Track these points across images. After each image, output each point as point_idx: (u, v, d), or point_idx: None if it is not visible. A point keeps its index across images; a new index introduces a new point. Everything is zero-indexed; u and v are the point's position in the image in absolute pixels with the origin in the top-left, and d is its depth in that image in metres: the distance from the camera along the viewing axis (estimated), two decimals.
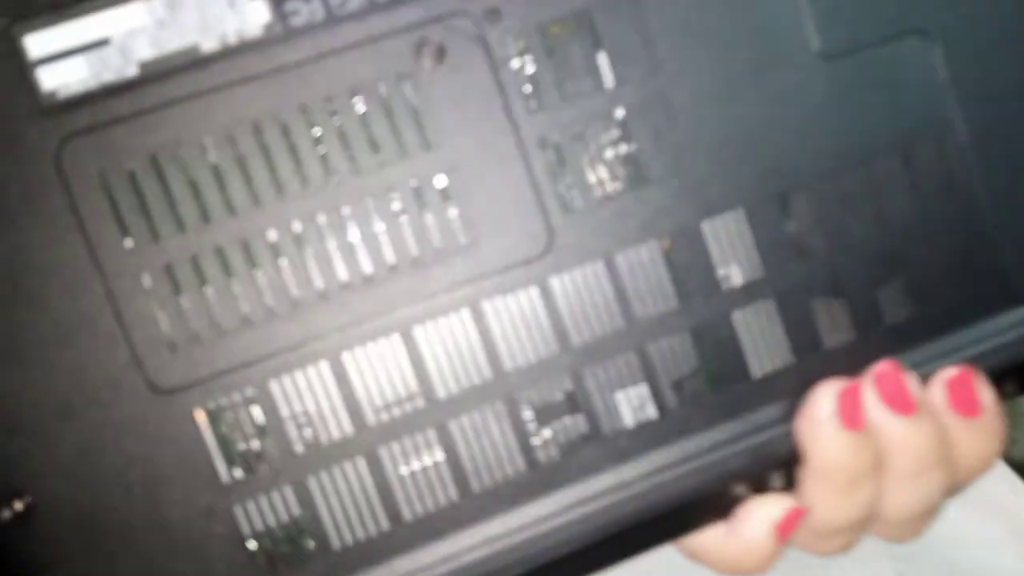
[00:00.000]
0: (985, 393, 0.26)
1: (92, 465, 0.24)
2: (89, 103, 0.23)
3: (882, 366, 0.26)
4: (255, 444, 0.25)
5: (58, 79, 0.23)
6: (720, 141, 0.26)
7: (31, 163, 0.23)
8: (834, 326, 0.27)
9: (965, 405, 0.26)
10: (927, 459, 0.25)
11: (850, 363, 0.27)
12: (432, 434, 0.25)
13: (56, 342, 0.24)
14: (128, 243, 0.24)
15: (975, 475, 0.27)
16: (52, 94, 0.23)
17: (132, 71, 0.24)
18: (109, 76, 0.24)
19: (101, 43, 0.23)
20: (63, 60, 0.23)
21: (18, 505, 0.24)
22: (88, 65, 0.23)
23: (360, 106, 0.24)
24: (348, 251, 0.25)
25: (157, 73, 0.24)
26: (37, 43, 0.23)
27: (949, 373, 0.26)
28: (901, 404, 0.25)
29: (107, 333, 0.24)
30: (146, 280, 0.24)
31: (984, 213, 0.27)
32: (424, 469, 0.25)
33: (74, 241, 0.23)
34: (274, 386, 0.25)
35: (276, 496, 0.25)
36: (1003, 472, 0.40)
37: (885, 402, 0.25)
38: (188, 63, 0.24)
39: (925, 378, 0.26)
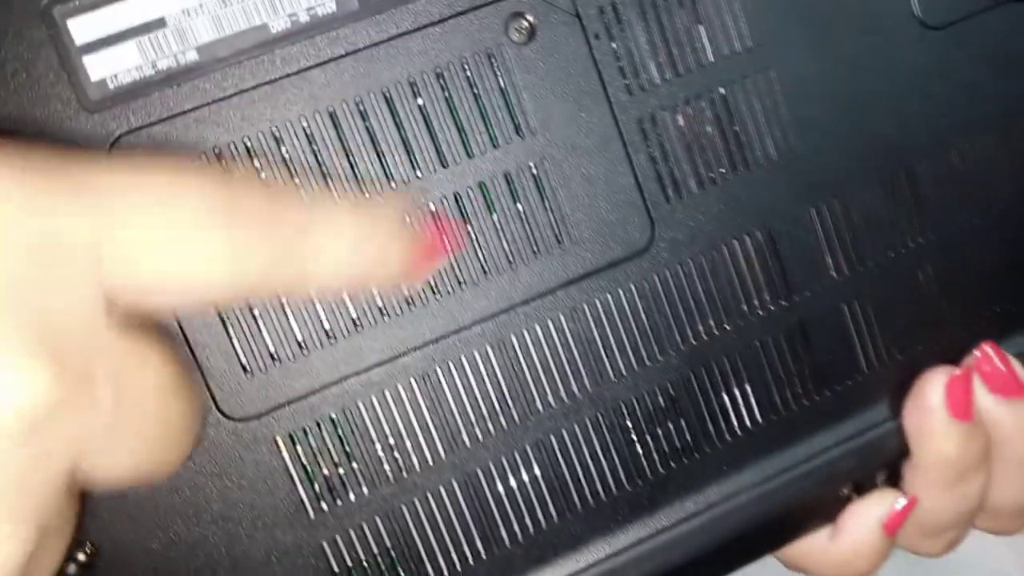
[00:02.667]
0: None
1: (161, 506, 0.21)
2: (143, 94, 0.20)
3: (984, 350, 0.25)
4: (341, 471, 0.22)
5: (108, 67, 0.20)
6: (826, 119, 0.24)
7: None
8: (937, 313, 0.26)
9: None
10: None
11: (955, 352, 0.25)
12: (530, 450, 0.23)
13: None
14: None
15: None
16: (101, 85, 0.20)
17: (191, 56, 0.21)
18: (165, 63, 0.20)
19: (155, 25, 0.20)
20: (113, 46, 0.20)
21: (81, 556, 0.21)
22: (140, 51, 0.20)
23: (444, 90, 0.22)
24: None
25: (219, 58, 0.21)
26: (83, 27, 0.20)
27: None
28: (1009, 388, 0.24)
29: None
30: None
31: None
32: (521, 487, 0.23)
33: None
34: (360, 407, 0.22)
35: (366, 527, 0.22)
36: None
37: (992, 388, 0.24)
38: (254, 46, 0.21)
39: None
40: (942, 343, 0.26)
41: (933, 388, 0.24)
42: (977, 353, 0.24)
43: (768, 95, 0.24)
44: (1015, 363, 0.25)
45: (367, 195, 0.21)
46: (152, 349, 0.16)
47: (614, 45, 0.23)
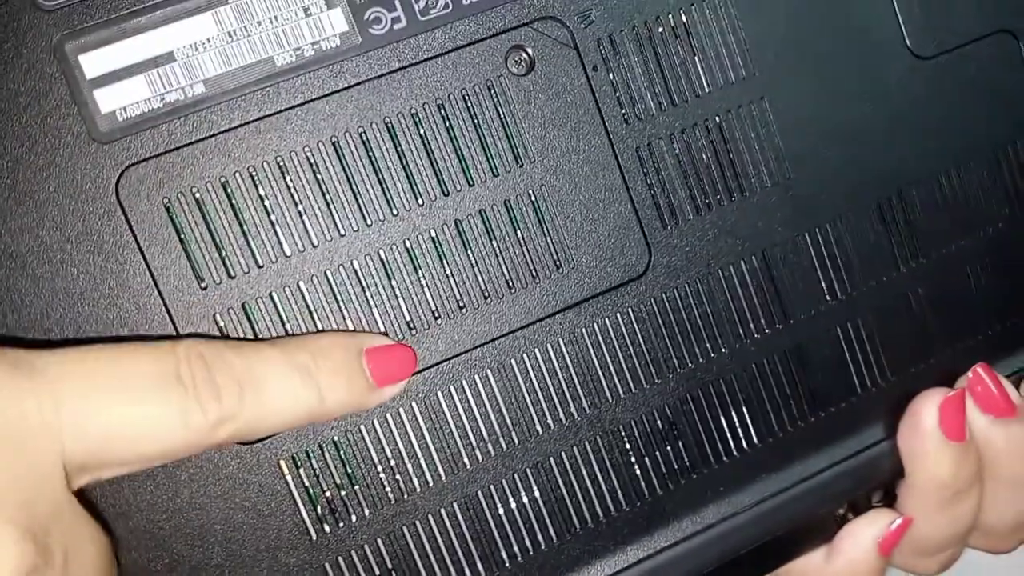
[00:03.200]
0: None
1: (166, 528, 0.22)
2: (152, 126, 0.21)
3: (976, 372, 0.25)
4: (343, 493, 0.23)
5: (117, 100, 0.21)
6: (819, 147, 0.25)
7: (91, 197, 0.21)
8: (930, 337, 0.26)
9: None
10: None
11: (949, 373, 0.26)
12: (529, 472, 0.24)
13: None
14: (200, 282, 0.21)
15: None
16: (111, 117, 0.21)
17: (199, 89, 0.21)
18: (173, 96, 0.21)
19: (164, 59, 0.21)
20: (122, 80, 0.21)
21: None
22: (149, 84, 0.21)
23: (446, 120, 0.22)
24: (435, 277, 0.23)
25: (226, 91, 0.21)
26: (94, 62, 0.20)
27: None
28: (1001, 408, 0.25)
29: None
30: (221, 321, 0.22)
31: None
32: (521, 509, 0.24)
33: (141, 283, 0.21)
34: (362, 429, 0.23)
35: (368, 548, 0.23)
36: None
37: (984, 408, 0.25)
38: (260, 79, 0.21)
39: (1017, 386, 0.26)
40: (936, 365, 0.26)
41: (927, 409, 0.24)
42: (970, 374, 0.25)
43: (762, 124, 0.24)
44: (1007, 384, 0.25)
45: (312, 330, 0.22)
46: (93, 528, 0.18)
47: (611, 76, 0.23)
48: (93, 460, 0.18)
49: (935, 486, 0.25)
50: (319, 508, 0.22)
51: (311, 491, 0.22)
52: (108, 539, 0.19)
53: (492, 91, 0.23)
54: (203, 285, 0.21)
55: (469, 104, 0.23)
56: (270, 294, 0.22)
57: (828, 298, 0.25)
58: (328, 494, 0.23)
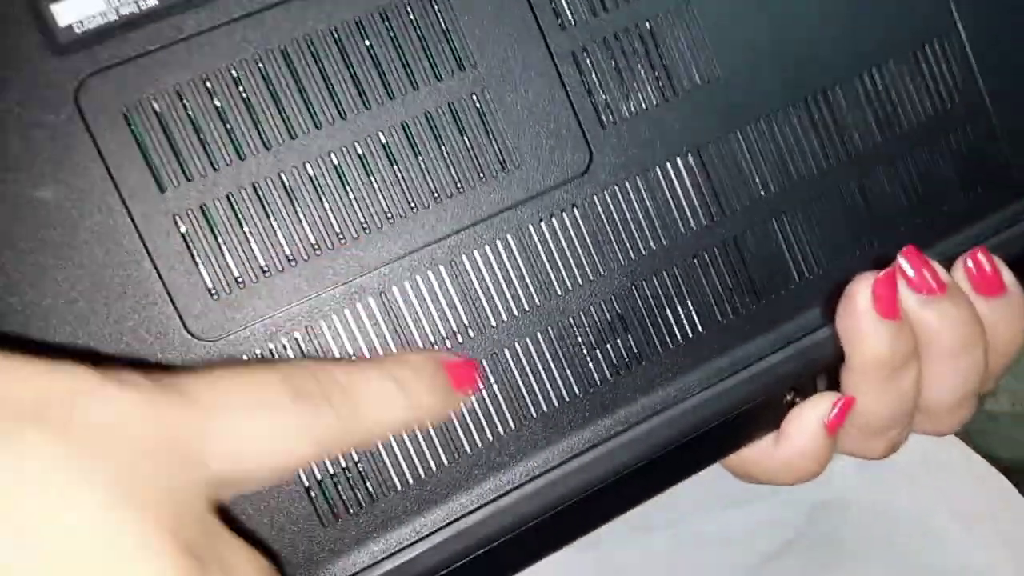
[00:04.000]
0: (1005, 273, 0.27)
1: None
2: (108, 38, 0.22)
3: (905, 253, 0.26)
4: None
5: (74, 14, 0.22)
6: (746, 47, 0.26)
7: (51, 107, 0.22)
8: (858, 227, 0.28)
9: (987, 286, 0.27)
10: (963, 337, 0.26)
11: (882, 260, 0.27)
12: (486, 363, 0.25)
13: (87, 298, 0.22)
14: (159, 186, 0.22)
15: (1009, 357, 0.28)
16: (68, 30, 0.22)
17: (152, 2, 0.22)
18: (128, 8, 0.22)
19: None
20: None
21: None
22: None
23: (389, 29, 0.24)
24: (386, 178, 0.24)
25: (179, 3, 0.22)
26: None
27: (965, 256, 0.27)
28: (930, 286, 0.26)
29: (143, 284, 0.22)
30: (181, 226, 0.23)
31: (989, 111, 0.29)
32: (479, 398, 0.25)
33: (102, 188, 0.22)
34: (322, 326, 0.24)
35: None
36: (1013, 500, 0.41)
37: (914, 288, 0.26)
38: None
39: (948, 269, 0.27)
40: (869, 252, 0.27)
41: (861, 290, 0.26)
42: (899, 257, 0.26)
43: (691, 26, 0.26)
44: (935, 264, 0.26)
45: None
46: (245, 548, 0.18)
47: None
48: (231, 479, 0.18)
49: (873, 364, 0.26)
50: None
51: None
52: (267, 562, 0.19)
53: (432, 1, 0.24)
54: (163, 188, 0.23)
55: (412, 12, 0.24)
56: (227, 195, 0.23)
57: (762, 192, 0.27)
58: None
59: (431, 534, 0.24)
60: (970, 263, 0.27)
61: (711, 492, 0.30)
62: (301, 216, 0.23)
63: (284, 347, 0.23)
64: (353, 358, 0.24)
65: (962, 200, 0.28)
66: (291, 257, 0.23)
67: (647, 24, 0.26)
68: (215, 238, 0.23)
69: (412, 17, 0.24)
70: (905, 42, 0.28)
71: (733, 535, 0.38)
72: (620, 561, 0.38)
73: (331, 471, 0.24)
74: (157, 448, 0.17)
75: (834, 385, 0.28)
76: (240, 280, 0.23)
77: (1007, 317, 0.27)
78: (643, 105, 0.26)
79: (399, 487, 0.24)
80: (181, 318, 0.23)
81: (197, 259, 0.23)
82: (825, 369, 0.27)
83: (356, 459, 0.24)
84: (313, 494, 0.24)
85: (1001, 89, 0.28)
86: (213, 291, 0.23)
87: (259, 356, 0.23)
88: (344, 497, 0.24)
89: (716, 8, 0.26)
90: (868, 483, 0.39)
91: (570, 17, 0.25)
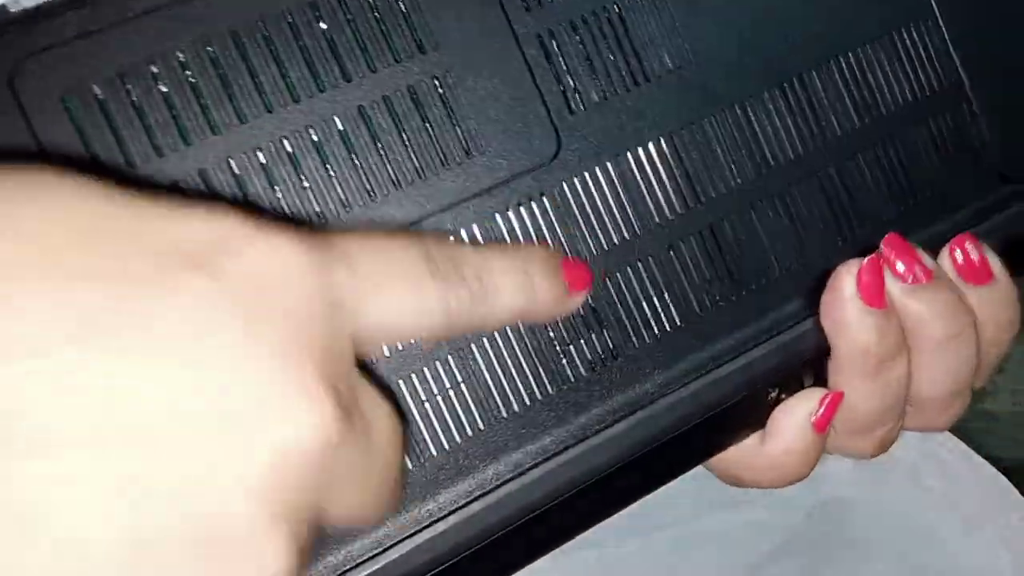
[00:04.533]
0: (993, 260, 0.26)
1: None
2: (46, 18, 0.21)
3: (889, 241, 0.25)
4: None
5: None
6: (718, 32, 0.25)
7: None
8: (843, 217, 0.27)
9: (975, 274, 0.26)
10: (952, 325, 0.25)
11: (865, 251, 0.26)
12: (451, 360, 0.23)
13: None
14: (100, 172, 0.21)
15: (1000, 347, 0.26)
16: (2, 9, 0.21)
17: None
18: None
19: None
20: None
21: None
22: None
23: (344, 9, 0.23)
24: (343, 166, 0.23)
25: None
26: None
27: (951, 243, 0.26)
28: (915, 273, 0.25)
29: None
30: None
31: (968, 95, 0.28)
32: (446, 398, 0.23)
33: None
34: None
35: None
36: (1014, 501, 0.40)
37: (899, 275, 0.25)
38: None
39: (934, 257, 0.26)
40: (853, 241, 0.26)
41: (845, 279, 0.25)
42: (882, 245, 0.25)
43: (661, 9, 0.25)
44: (920, 252, 0.25)
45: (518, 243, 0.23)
46: (385, 404, 0.18)
47: None
48: (371, 338, 0.18)
49: (860, 355, 0.25)
50: None
51: None
52: (398, 420, 0.19)
53: None
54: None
55: None
56: (173, 183, 0.22)
57: (739, 179, 0.26)
58: None
59: (395, 544, 0.23)
60: (956, 251, 0.26)
61: (710, 492, 0.28)
62: (253, 205, 0.22)
63: None
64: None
65: (945, 186, 0.27)
66: None
67: (616, 7, 0.25)
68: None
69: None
70: (882, 26, 0.27)
71: (732, 535, 0.37)
72: (619, 561, 0.36)
73: None
74: (315, 301, 0.16)
75: (821, 382, 0.27)
76: None
77: (996, 305, 0.26)
78: (614, 90, 0.25)
79: None
80: None
81: None
82: (810, 364, 0.26)
83: None
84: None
85: (980, 74, 0.28)
86: None
87: None
88: None
89: None
90: (867, 483, 0.38)
91: None
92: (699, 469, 0.28)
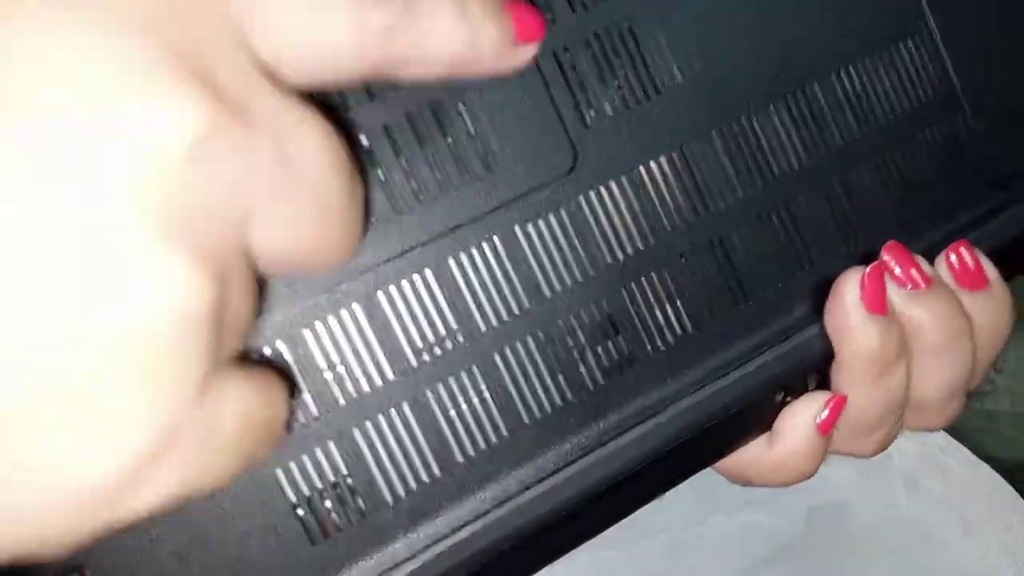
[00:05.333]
0: (988, 266, 0.27)
1: None
2: None
3: (889, 249, 0.26)
4: (292, 404, 0.23)
5: None
6: (726, 44, 0.26)
7: None
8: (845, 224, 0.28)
9: (970, 280, 0.27)
10: (950, 329, 0.26)
11: (868, 258, 0.27)
12: (476, 370, 0.24)
13: None
14: None
15: (994, 350, 0.28)
16: None
17: None
18: None
19: None
20: None
21: None
22: None
23: None
24: (368, 184, 0.23)
25: None
26: None
27: (948, 250, 0.27)
28: (915, 280, 0.26)
29: None
30: None
31: (963, 106, 0.29)
32: (471, 405, 0.24)
33: None
34: (304, 335, 0.23)
35: (320, 454, 0.23)
36: (1015, 505, 0.41)
37: (899, 282, 0.26)
38: None
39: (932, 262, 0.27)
40: (856, 248, 0.27)
41: (849, 286, 0.26)
42: (883, 253, 0.26)
43: (670, 24, 0.26)
44: (919, 259, 0.26)
45: None
46: (312, 117, 0.16)
47: None
48: (268, 49, 0.16)
49: (864, 360, 0.26)
50: None
51: None
52: (340, 142, 0.17)
53: None
54: None
55: None
56: None
57: (746, 189, 0.26)
58: None
59: (425, 549, 0.23)
60: (953, 257, 0.27)
61: (709, 496, 0.29)
62: None
63: (264, 356, 0.23)
64: (337, 363, 0.23)
65: (942, 193, 0.29)
66: None
67: (627, 23, 0.26)
68: None
69: None
70: (879, 40, 0.28)
71: (731, 539, 0.37)
72: (617, 565, 0.37)
73: (319, 487, 0.23)
74: None
75: (825, 385, 0.28)
76: None
77: (991, 310, 0.27)
78: (626, 103, 0.25)
79: (390, 501, 0.23)
80: None
81: None
82: (815, 368, 0.27)
83: (345, 472, 0.23)
84: (301, 511, 0.23)
85: (974, 85, 0.29)
86: None
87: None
88: (333, 513, 0.23)
89: (694, 7, 0.26)
90: (867, 487, 0.39)
91: (550, 15, 0.25)
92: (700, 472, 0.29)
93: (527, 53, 0.20)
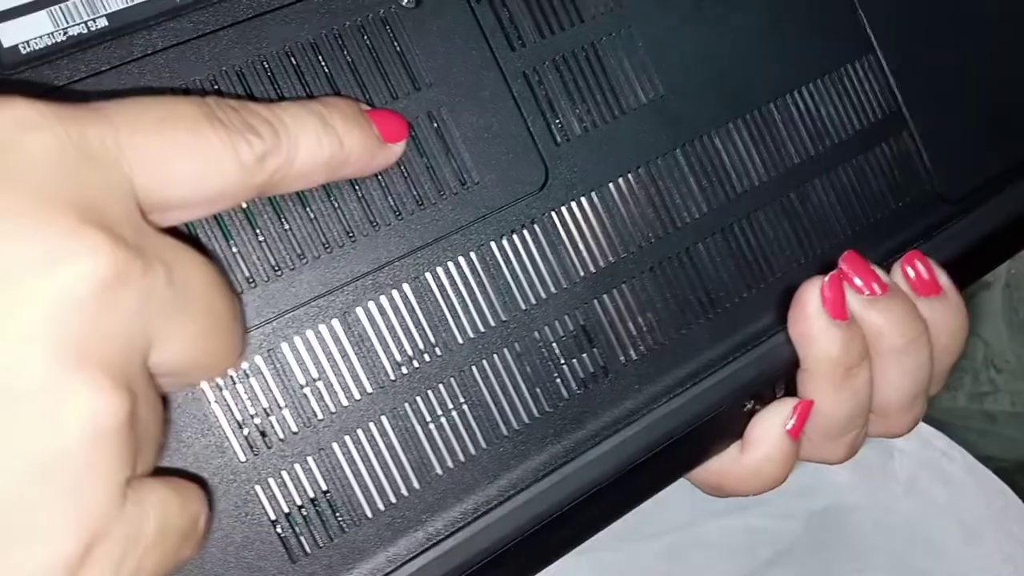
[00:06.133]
0: (940, 274, 0.28)
1: None
2: (55, 59, 0.21)
3: (846, 259, 0.27)
4: (272, 418, 0.23)
5: (20, 34, 0.21)
6: (684, 70, 0.27)
7: None
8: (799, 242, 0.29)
9: (924, 287, 0.28)
10: (907, 333, 0.27)
11: (829, 268, 0.28)
12: (454, 382, 0.24)
13: None
14: None
15: (952, 355, 0.29)
16: (14, 50, 0.21)
17: (102, 23, 0.22)
18: (76, 30, 0.22)
19: None
20: (25, 15, 0.21)
21: None
22: (52, 19, 0.22)
23: (344, 49, 0.24)
24: (347, 199, 0.24)
25: (129, 24, 0.22)
26: None
27: (902, 260, 0.28)
28: (872, 287, 0.27)
29: None
30: None
31: (908, 124, 0.30)
32: (450, 419, 0.24)
33: None
34: (283, 349, 0.23)
35: (299, 469, 0.23)
36: (1015, 511, 0.42)
37: (857, 289, 0.27)
38: (162, 12, 0.22)
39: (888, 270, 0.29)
40: (816, 259, 0.29)
41: (810, 295, 0.27)
42: (840, 262, 0.27)
43: (632, 48, 0.27)
44: (875, 267, 0.27)
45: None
46: (190, 250, 0.18)
47: (494, 7, 0.25)
48: (159, 196, 0.18)
49: (828, 365, 0.27)
50: (247, 432, 0.23)
51: (240, 416, 0.22)
52: (216, 268, 0.19)
53: (386, 23, 0.24)
54: None
55: (366, 35, 0.24)
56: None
57: (710, 203, 0.27)
58: (257, 420, 0.23)
59: (405, 562, 0.23)
60: (907, 267, 0.28)
61: (708, 499, 0.29)
62: (260, 236, 0.23)
63: (246, 372, 0.23)
64: (315, 377, 0.23)
65: (893, 207, 0.30)
66: (250, 278, 0.23)
67: (592, 46, 0.27)
68: None
69: (367, 39, 0.24)
70: (828, 63, 0.29)
71: (731, 543, 0.38)
72: (616, 568, 0.37)
73: (298, 502, 0.23)
74: (64, 152, 0.16)
75: (791, 393, 0.28)
76: None
77: (946, 316, 0.28)
78: (594, 122, 0.26)
79: (369, 515, 0.23)
80: None
81: None
82: (782, 375, 0.28)
83: (324, 488, 0.23)
84: (279, 528, 0.23)
85: (918, 104, 0.30)
86: None
87: (217, 383, 0.22)
88: (312, 529, 0.23)
89: (654, 33, 0.27)
90: (868, 491, 0.39)
91: (520, 39, 0.26)
92: None
93: (399, 148, 0.23)
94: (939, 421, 0.50)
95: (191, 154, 0.18)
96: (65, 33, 0.22)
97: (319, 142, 0.20)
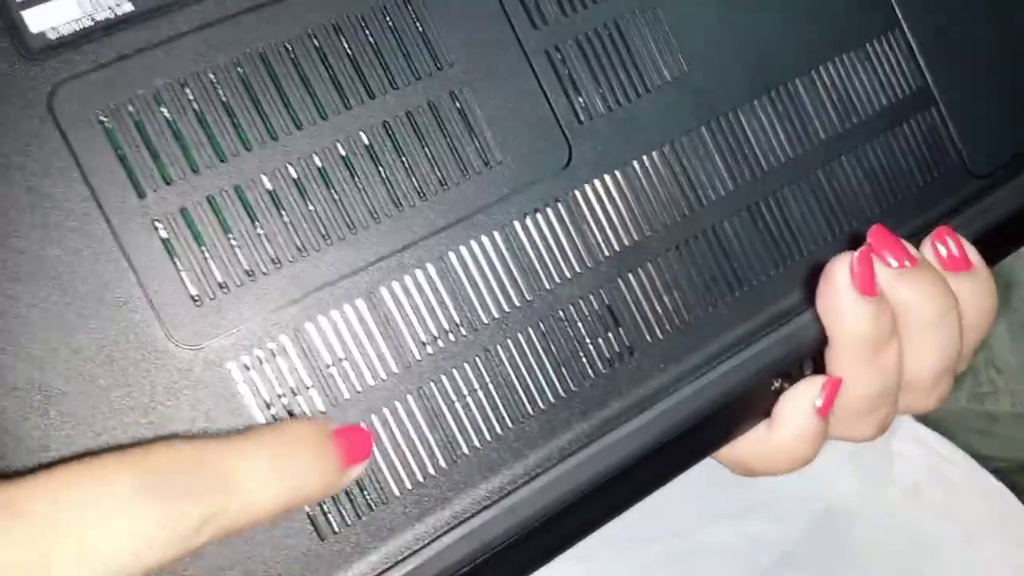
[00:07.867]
0: (970, 250, 0.28)
1: (119, 440, 0.21)
2: (82, 43, 0.22)
3: (874, 233, 0.27)
4: (299, 397, 0.23)
5: (46, 20, 0.22)
6: (707, 46, 0.27)
7: (24, 114, 0.21)
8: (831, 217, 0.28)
9: (954, 263, 0.28)
10: (938, 307, 0.27)
11: (857, 244, 0.28)
12: (480, 362, 0.24)
13: (65, 309, 0.21)
14: (138, 191, 0.22)
15: (980, 332, 0.28)
16: (41, 36, 0.21)
17: (127, 8, 0.22)
18: (103, 15, 0.22)
19: None
20: (51, 1, 0.22)
21: None
22: (78, 4, 0.22)
23: (366, 30, 0.24)
24: (370, 178, 0.24)
25: (154, 8, 0.22)
26: None
27: (931, 235, 0.28)
28: (901, 261, 0.27)
29: (123, 292, 0.21)
30: (161, 231, 0.22)
31: (936, 99, 0.30)
32: (476, 399, 0.24)
33: (79, 195, 0.21)
34: (309, 329, 0.23)
35: None
36: (1017, 515, 0.41)
37: (886, 263, 0.26)
38: None
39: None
40: (844, 235, 0.28)
41: (839, 271, 0.26)
42: (869, 237, 0.27)
43: (656, 25, 0.27)
44: (904, 242, 0.27)
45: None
46: None
47: None
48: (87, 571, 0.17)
49: (856, 341, 0.26)
50: (274, 411, 0.23)
51: (268, 395, 0.23)
52: None
53: (408, 3, 0.24)
54: (141, 194, 0.22)
55: (388, 15, 0.24)
56: (208, 198, 0.22)
57: (736, 181, 0.27)
58: (285, 400, 0.23)
59: (432, 540, 0.23)
60: (937, 243, 0.28)
61: (710, 503, 0.29)
62: (285, 217, 0.23)
63: (272, 352, 0.23)
64: (341, 358, 0.23)
65: (921, 183, 0.29)
66: (276, 259, 0.23)
67: (615, 23, 0.26)
68: (196, 242, 0.22)
69: (389, 20, 0.24)
70: (854, 38, 0.29)
71: (733, 547, 0.37)
72: (617, 572, 0.37)
73: None
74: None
75: (820, 370, 0.28)
76: (224, 285, 0.22)
77: (976, 292, 0.28)
78: (617, 101, 0.26)
79: (397, 493, 0.23)
80: (163, 326, 0.22)
81: (178, 264, 0.22)
82: (810, 353, 0.28)
83: None
84: (308, 507, 0.23)
85: (946, 78, 0.30)
86: (196, 297, 0.22)
87: (245, 363, 0.23)
88: (340, 507, 0.23)
89: (677, 9, 0.27)
90: (869, 495, 0.39)
91: (542, 16, 0.26)
92: (700, 479, 0.29)
93: (359, 470, 0.22)
94: (939, 421, 0.49)
95: (121, 539, 0.17)
96: (92, 18, 0.22)
97: (275, 494, 0.19)
